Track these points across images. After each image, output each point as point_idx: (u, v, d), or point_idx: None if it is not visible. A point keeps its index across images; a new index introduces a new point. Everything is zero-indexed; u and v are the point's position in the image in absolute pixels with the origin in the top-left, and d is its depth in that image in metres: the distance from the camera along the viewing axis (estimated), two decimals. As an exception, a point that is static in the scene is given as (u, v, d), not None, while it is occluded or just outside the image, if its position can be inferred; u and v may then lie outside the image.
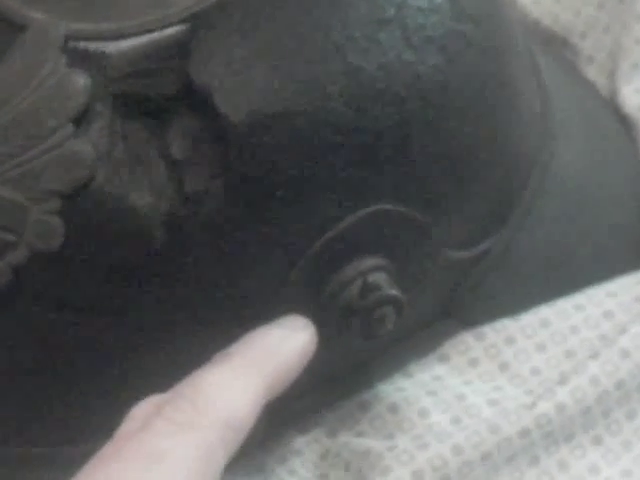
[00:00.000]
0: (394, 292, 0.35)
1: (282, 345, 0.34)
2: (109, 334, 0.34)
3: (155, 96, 0.33)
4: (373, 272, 0.35)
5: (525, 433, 0.38)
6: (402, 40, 0.34)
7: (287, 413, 0.38)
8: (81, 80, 0.32)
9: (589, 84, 0.49)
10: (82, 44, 0.32)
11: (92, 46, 0.32)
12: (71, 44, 0.32)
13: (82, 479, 0.30)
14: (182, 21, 0.33)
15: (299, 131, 0.33)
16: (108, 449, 0.31)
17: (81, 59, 0.32)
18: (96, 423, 0.36)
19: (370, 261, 0.35)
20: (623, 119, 0.48)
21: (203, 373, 0.32)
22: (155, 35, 0.33)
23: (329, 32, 0.33)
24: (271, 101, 0.33)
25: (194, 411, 0.31)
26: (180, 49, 0.33)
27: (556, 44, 0.51)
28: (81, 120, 0.32)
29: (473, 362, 0.41)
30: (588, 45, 0.50)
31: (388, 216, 0.35)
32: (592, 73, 0.50)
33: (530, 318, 0.42)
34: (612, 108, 0.48)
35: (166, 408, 0.31)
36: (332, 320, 0.36)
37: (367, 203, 0.35)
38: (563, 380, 0.39)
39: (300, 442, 0.40)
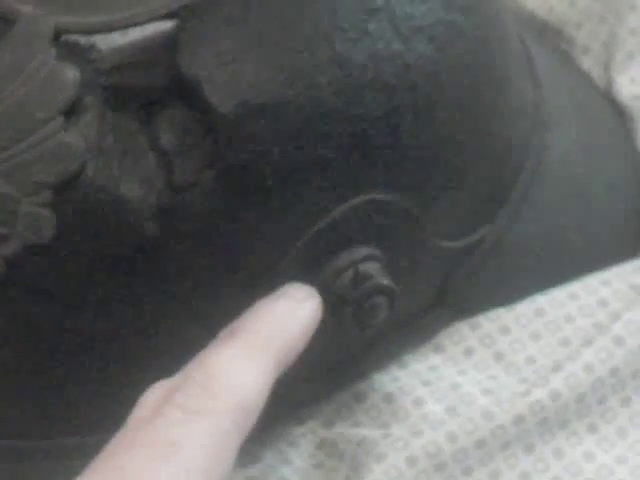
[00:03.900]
0: (386, 282, 0.35)
1: (289, 319, 0.33)
2: (104, 325, 0.34)
3: (144, 88, 0.33)
4: (365, 262, 0.35)
5: (519, 420, 0.38)
6: (391, 29, 0.34)
7: (283, 404, 0.38)
8: (70, 73, 0.32)
9: (584, 74, 0.49)
10: (71, 37, 0.32)
11: (81, 39, 0.32)
12: (60, 37, 0.32)
13: (95, 471, 0.29)
14: (170, 13, 0.33)
15: (288, 121, 0.33)
16: (120, 439, 0.30)
17: (70, 52, 0.32)
18: (97, 414, 0.36)
19: (362, 251, 0.35)
20: (618, 109, 0.48)
21: (211, 353, 0.32)
22: (144, 27, 0.33)
23: (317, 22, 0.33)
24: (260, 91, 0.33)
25: (207, 397, 0.30)
26: (169, 41, 0.33)
27: (551, 35, 0.51)
28: (71, 112, 0.32)
29: (468, 352, 0.41)
30: (583, 35, 0.50)
31: (379, 206, 0.35)
32: (587, 63, 0.50)
33: (525, 307, 0.42)
34: (607, 98, 0.48)
35: (178, 394, 0.30)
36: (325, 310, 0.36)
37: (357, 193, 0.35)
38: (557, 368, 0.39)
39: (296, 433, 0.40)
